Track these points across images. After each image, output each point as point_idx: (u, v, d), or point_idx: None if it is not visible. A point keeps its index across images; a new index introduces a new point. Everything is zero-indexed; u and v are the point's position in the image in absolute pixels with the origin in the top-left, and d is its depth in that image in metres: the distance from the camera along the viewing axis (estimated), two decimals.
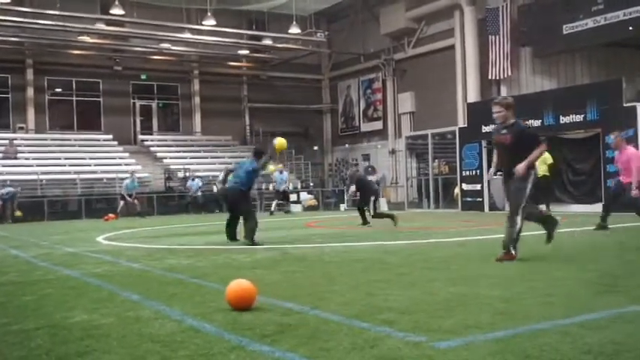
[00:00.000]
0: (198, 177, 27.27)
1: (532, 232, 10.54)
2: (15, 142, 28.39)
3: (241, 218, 10.46)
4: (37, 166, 26.94)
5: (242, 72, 35.59)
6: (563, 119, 18.31)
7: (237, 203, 10.45)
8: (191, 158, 30.97)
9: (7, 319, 4.57)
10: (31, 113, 30.20)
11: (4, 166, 26.11)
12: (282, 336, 3.74)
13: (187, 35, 30.33)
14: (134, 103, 33.02)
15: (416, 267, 6.77)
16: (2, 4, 25.71)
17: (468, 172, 21.06)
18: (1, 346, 3.77)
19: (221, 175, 11.01)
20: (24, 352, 3.58)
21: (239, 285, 4.71)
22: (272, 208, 24.07)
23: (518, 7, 24.37)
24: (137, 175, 25.85)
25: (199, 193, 26.69)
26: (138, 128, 33.04)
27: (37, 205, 24.38)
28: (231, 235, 10.55)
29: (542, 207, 17.65)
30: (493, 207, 20.17)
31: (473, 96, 25.78)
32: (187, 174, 28.40)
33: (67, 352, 3.55)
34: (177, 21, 30.26)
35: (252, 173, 10.56)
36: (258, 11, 32.37)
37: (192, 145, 33.04)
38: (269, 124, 34.13)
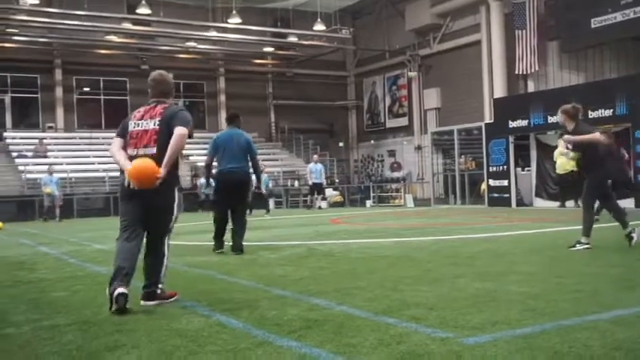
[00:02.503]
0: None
1: (561, 227, 10.42)
2: (44, 141, 28.81)
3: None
4: (67, 164, 27.30)
5: (267, 69, 35.69)
6: (592, 114, 18.04)
7: (244, 193, 8.52)
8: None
9: (38, 315, 4.64)
10: (60, 112, 30.62)
11: (34, 164, 26.50)
12: (309, 332, 3.75)
13: (213, 33, 30.48)
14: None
15: (442, 263, 6.74)
16: (31, 5, 26.09)
17: (494, 168, 20.88)
18: (34, 341, 3.83)
19: (202, 179, 9.27)
20: (56, 348, 3.64)
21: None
22: (309, 202, 24.03)
23: (545, 1, 24.09)
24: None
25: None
26: None
27: (67, 203, 24.71)
28: (221, 244, 8.55)
29: (571, 202, 17.52)
30: (520, 203, 19.99)
31: (499, 91, 25.57)
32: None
33: (97, 347, 3.60)
34: (203, 19, 30.42)
35: (252, 149, 8.58)
36: (282, 9, 32.43)
37: None
38: (294, 121, 34.23)
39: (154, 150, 4.85)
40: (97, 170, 27.42)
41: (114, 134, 5.43)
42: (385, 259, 7.34)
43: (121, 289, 4.51)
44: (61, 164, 26.93)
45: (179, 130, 4.82)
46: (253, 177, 8.98)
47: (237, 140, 8.51)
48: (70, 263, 8.20)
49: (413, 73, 26.29)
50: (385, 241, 9.79)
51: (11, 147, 28.30)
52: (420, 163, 31.64)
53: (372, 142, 35.67)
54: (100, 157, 28.63)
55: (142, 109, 5.09)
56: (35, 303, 5.20)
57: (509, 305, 4.29)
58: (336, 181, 32.56)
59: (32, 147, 28.18)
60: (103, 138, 30.60)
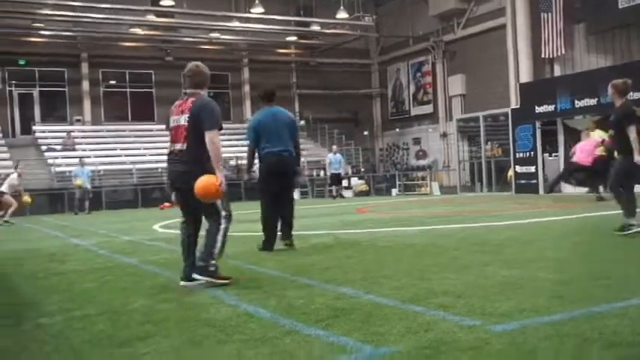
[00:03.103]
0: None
1: (589, 213, 10.32)
2: (72, 134, 29.17)
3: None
4: (95, 157, 27.63)
5: (291, 59, 35.68)
6: None
7: (293, 178, 7.89)
8: (242, 146, 31.24)
9: (70, 304, 4.73)
10: (87, 105, 30.96)
11: (63, 157, 26.85)
12: (336, 320, 3.77)
13: (236, 24, 30.55)
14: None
15: (469, 250, 6.71)
16: None
17: (521, 154, 20.68)
18: (66, 330, 3.91)
19: (246, 159, 8.06)
20: (87, 337, 3.71)
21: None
22: (334, 193, 24.11)
23: None
24: None
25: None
26: None
27: (95, 195, 25.01)
28: (273, 242, 7.62)
29: (601, 188, 17.28)
30: (548, 189, 19.78)
31: (525, 76, 25.25)
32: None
33: (128, 336, 3.66)
34: (226, 10, 30.49)
35: (296, 128, 7.85)
36: None
37: (244, 133, 33.30)
38: (319, 110, 34.20)
39: (184, 146, 5.18)
40: (124, 163, 27.72)
41: (140, 126, 5.65)
42: (412, 247, 7.32)
43: None
44: (89, 157, 27.24)
45: (209, 137, 5.08)
46: None
47: (282, 119, 7.56)
48: (100, 254, 8.32)
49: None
50: (411, 229, 9.77)
51: (40, 140, 28.71)
52: (445, 150, 31.45)
53: (397, 130, 35.52)
54: (128, 150, 28.96)
55: (177, 103, 5.36)
56: (67, 293, 5.30)
57: (537, 292, 4.26)
58: (362, 169, 32.52)
59: (60, 140, 28.56)
60: (129, 130, 30.96)
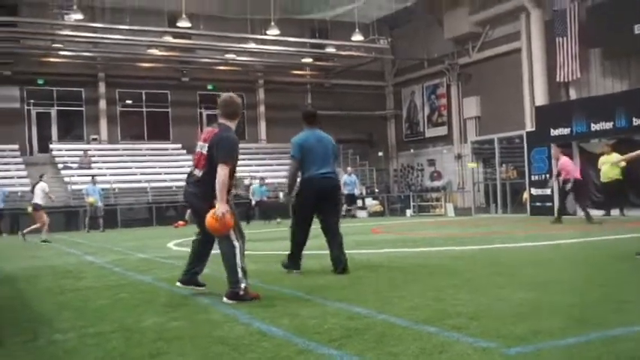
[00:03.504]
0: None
1: (605, 237, 10.24)
2: (89, 152, 29.42)
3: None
4: (110, 175, 27.82)
5: (306, 80, 35.86)
6: (637, 121, 17.68)
7: (339, 201, 7.72)
8: (257, 166, 31.36)
9: (84, 322, 4.74)
10: (103, 124, 31.23)
11: (79, 175, 27.06)
12: (350, 340, 3.75)
13: (252, 45, 30.79)
14: (201, 113, 33.72)
15: (484, 272, 6.66)
16: (76, 20, 26.77)
17: (536, 177, 20.59)
18: (79, 347, 3.91)
19: (289, 178, 7.37)
20: (100, 354, 3.71)
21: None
22: (344, 213, 24.06)
23: (586, 7, 23.71)
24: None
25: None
26: None
27: (110, 213, 25.15)
28: (299, 263, 7.35)
29: (616, 211, 17.15)
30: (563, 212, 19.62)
31: (540, 99, 25.21)
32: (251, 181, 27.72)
33: (141, 354, 3.66)
34: (242, 31, 30.74)
35: (337, 153, 7.62)
36: (320, 20, 32.57)
37: (258, 153, 33.47)
38: (333, 131, 33.69)
39: (200, 173, 5.52)
40: (139, 181, 27.88)
41: (156, 145, 5.94)
42: (426, 268, 7.29)
43: None
44: (105, 175, 27.45)
45: (219, 170, 5.29)
46: None
47: (326, 142, 7.31)
48: (115, 272, 8.35)
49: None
50: (426, 250, 9.72)
51: (57, 159, 28.96)
52: (460, 172, 31.36)
53: (412, 151, 35.50)
54: (143, 169, 29.14)
55: (207, 129, 5.72)
56: (81, 310, 5.31)
57: (552, 315, 4.22)
58: (376, 190, 32.48)
59: (77, 159, 28.80)
60: (145, 149, 31.18)
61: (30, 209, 17.32)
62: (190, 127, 32.80)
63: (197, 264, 5.83)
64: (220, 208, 5.19)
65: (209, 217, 5.23)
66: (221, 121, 5.67)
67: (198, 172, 5.52)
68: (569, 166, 15.72)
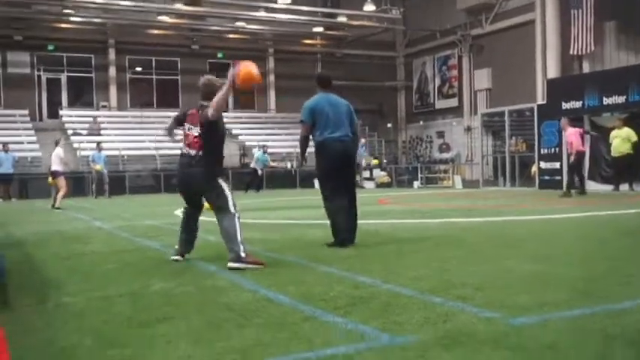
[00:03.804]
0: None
1: (613, 211, 10.22)
2: (98, 119, 29.44)
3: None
4: (119, 142, 27.87)
5: (316, 49, 35.61)
6: None
7: (354, 168, 7.26)
8: (266, 135, 31.34)
9: (91, 286, 4.79)
10: (113, 91, 31.22)
11: (88, 142, 27.13)
12: (355, 308, 3.77)
13: (262, 13, 30.56)
14: (202, 105, 33.57)
15: (490, 244, 6.67)
16: None
17: (546, 150, 20.48)
18: (87, 310, 3.96)
19: (299, 143, 7.11)
20: (107, 317, 3.75)
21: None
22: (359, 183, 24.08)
23: None
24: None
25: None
26: None
27: (119, 180, 25.25)
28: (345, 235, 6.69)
29: (625, 186, 17.08)
30: (572, 185, 19.54)
31: (553, 72, 24.96)
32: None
33: (147, 318, 3.69)
34: None
35: (354, 115, 7.16)
36: None
37: (267, 123, 33.42)
38: None
39: (199, 153, 5.75)
40: (148, 148, 27.91)
41: (165, 113, 6.12)
42: (432, 239, 7.29)
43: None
44: (114, 142, 27.49)
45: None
46: None
47: (340, 105, 7.02)
48: (122, 237, 8.41)
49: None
50: (432, 221, 9.72)
51: (67, 125, 29.03)
52: (469, 144, 31.24)
53: (421, 123, 35.35)
54: (152, 136, 29.13)
55: (192, 111, 6.01)
56: (89, 274, 5.36)
57: (558, 287, 4.22)
58: (384, 161, 32.44)
59: (86, 125, 28.84)
60: (154, 117, 31.15)
61: (50, 179, 16.82)
62: (199, 95, 32.73)
63: (188, 234, 6.01)
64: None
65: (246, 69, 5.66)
66: (203, 102, 5.89)
67: (193, 152, 5.74)
68: (574, 138, 15.70)
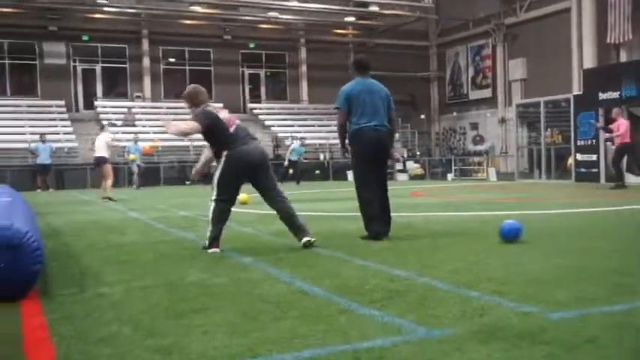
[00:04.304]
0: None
1: None
2: (133, 110, 29.78)
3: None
4: (154, 133, 28.16)
5: (348, 39, 35.51)
6: None
7: (387, 159, 6.95)
8: (298, 126, 31.39)
9: (129, 276, 4.85)
10: (147, 82, 31.55)
11: (123, 132, 27.47)
12: (391, 302, 3.76)
13: (294, 3, 30.55)
14: (243, 72, 33.76)
15: (526, 238, 6.58)
16: None
17: (583, 142, 20.17)
18: (125, 300, 4.02)
19: (338, 132, 6.97)
20: (145, 307, 3.80)
21: None
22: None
23: None
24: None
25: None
26: (247, 97, 33.82)
27: (153, 171, 25.55)
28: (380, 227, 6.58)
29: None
30: (610, 178, 19.24)
31: (589, 61, 24.54)
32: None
33: (183, 308, 3.73)
34: None
35: (392, 102, 6.88)
36: None
37: (300, 114, 33.46)
38: None
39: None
40: (182, 139, 28.12)
41: None
42: (466, 232, 7.24)
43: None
44: (148, 133, 27.80)
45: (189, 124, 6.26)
46: None
47: (378, 92, 6.73)
48: (158, 228, 8.51)
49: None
50: (467, 214, 9.65)
51: (102, 115, 29.41)
52: (503, 135, 30.90)
53: (455, 114, 35.05)
54: None
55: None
56: (126, 264, 5.44)
57: (595, 281, 4.16)
58: (417, 153, 32.26)
59: (121, 116, 29.18)
60: (188, 108, 31.39)
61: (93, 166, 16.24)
62: (232, 85, 32.92)
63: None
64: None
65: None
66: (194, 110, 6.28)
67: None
68: (623, 129, 15.49)
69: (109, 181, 14.97)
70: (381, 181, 6.74)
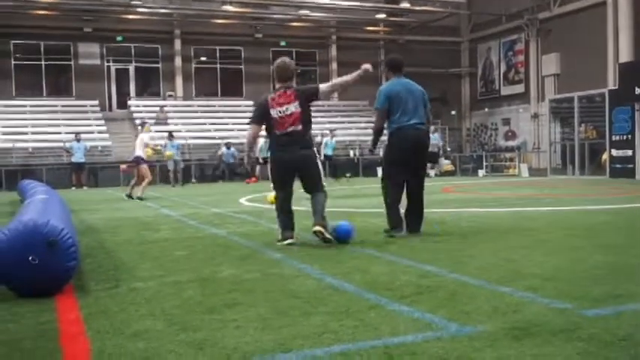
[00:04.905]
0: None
1: None
2: (165, 108, 30.09)
3: None
4: (185, 131, 28.42)
5: (379, 36, 35.37)
6: None
7: (426, 158, 7.02)
8: (329, 123, 31.37)
9: (162, 271, 4.91)
10: (179, 81, 31.83)
11: (156, 131, 27.76)
12: (421, 297, 3.75)
13: (325, 0, 30.53)
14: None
15: (559, 234, 6.51)
16: None
17: (618, 137, 19.82)
18: (159, 295, 4.06)
19: (373, 130, 7.04)
20: (178, 302, 3.84)
21: None
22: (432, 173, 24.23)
23: None
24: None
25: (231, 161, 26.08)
26: None
27: (185, 168, 25.76)
28: (401, 222, 6.69)
29: None
30: None
31: (625, 56, 24.09)
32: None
33: (216, 303, 3.76)
34: None
35: (428, 101, 6.88)
36: None
37: (330, 111, 33.44)
38: None
39: (300, 127, 6.21)
40: (213, 137, 28.37)
41: (229, 102, 6.49)
42: (498, 228, 7.18)
43: None
44: (180, 131, 28.05)
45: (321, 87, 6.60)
46: None
47: (416, 91, 6.74)
48: (190, 225, 8.59)
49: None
50: (498, 210, 9.56)
51: (135, 114, 29.76)
52: (536, 131, 30.51)
53: (486, 110, 34.70)
54: (217, 125, 29.62)
55: (275, 96, 6.25)
56: (159, 260, 5.50)
57: (632, 278, 4.10)
58: (448, 149, 32.04)
59: (154, 114, 29.50)
60: (219, 106, 31.64)
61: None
62: (263, 84, 32.99)
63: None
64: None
65: None
66: (285, 84, 6.31)
67: (298, 127, 6.17)
68: None
69: (145, 182, 14.54)
70: (418, 179, 6.75)
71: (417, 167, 6.74)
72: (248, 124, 6.51)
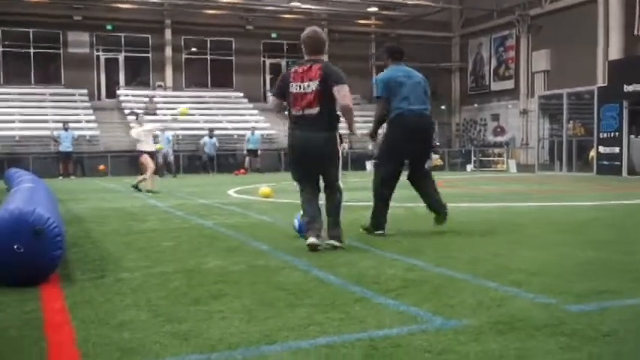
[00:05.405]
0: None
1: None
2: (154, 99, 29.94)
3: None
4: (175, 122, 28.26)
5: (370, 30, 35.34)
6: None
7: (430, 146, 6.93)
8: None
9: (148, 262, 4.90)
10: (169, 72, 31.67)
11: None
12: (407, 291, 3.76)
13: None
14: (264, 62, 33.76)
15: (546, 230, 6.54)
16: None
17: (605, 135, 19.93)
18: (145, 285, 4.05)
19: (375, 119, 6.56)
20: (164, 293, 3.83)
21: None
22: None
23: None
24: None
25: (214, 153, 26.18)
26: (267, 86, 33.84)
27: (173, 160, 25.66)
28: (385, 221, 6.32)
29: None
30: (632, 171, 19.01)
31: (615, 53, 24.20)
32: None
33: (201, 294, 3.76)
34: None
35: (429, 89, 6.68)
36: None
37: None
38: None
39: (316, 110, 5.33)
40: (202, 129, 28.25)
41: (219, 93, 5.92)
42: (486, 223, 7.20)
43: None
44: (169, 122, 27.90)
45: (343, 90, 5.34)
46: None
47: (416, 77, 6.50)
48: (177, 216, 8.57)
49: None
50: (486, 205, 9.60)
51: (124, 104, 29.61)
52: (524, 127, 30.62)
53: (476, 105, 34.78)
54: (206, 116, 29.49)
55: (299, 70, 5.41)
56: (146, 251, 5.49)
57: (617, 274, 4.12)
58: (437, 144, 32.10)
59: (143, 105, 29.34)
60: (209, 97, 31.51)
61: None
62: (253, 75, 32.96)
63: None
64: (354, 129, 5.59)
65: None
66: (313, 57, 5.43)
67: (314, 110, 5.29)
68: None
69: (148, 173, 13.92)
70: (420, 168, 6.51)
71: (419, 156, 6.45)
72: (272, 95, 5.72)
